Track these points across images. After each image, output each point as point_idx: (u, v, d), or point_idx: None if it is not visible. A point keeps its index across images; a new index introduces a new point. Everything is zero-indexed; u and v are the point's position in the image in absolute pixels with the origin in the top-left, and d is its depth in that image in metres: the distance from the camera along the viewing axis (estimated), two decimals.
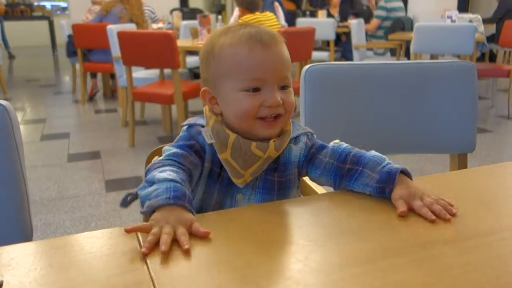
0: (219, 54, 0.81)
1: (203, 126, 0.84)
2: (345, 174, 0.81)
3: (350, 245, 0.61)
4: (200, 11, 7.66)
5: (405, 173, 0.76)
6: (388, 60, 5.19)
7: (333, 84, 1.30)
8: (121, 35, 3.25)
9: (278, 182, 0.85)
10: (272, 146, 0.81)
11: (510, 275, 0.54)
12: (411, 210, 0.70)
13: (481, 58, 6.94)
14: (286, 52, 0.83)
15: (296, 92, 0.85)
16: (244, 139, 0.81)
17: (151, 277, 0.53)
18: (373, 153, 0.81)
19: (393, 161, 0.79)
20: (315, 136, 0.89)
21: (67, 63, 5.80)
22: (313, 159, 0.86)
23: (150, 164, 0.78)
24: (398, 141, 1.35)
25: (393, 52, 5.64)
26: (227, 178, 0.83)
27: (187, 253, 0.58)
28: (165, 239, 0.60)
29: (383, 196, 0.74)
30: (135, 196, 0.72)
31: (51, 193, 2.70)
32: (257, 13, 3.59)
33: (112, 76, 5.23)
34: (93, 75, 5.26)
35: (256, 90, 0.79)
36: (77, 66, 5.10)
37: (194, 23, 4.72)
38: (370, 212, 0.71)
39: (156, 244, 0.60)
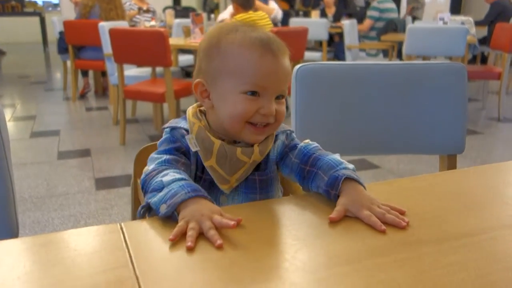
0: (225, 51, 0.80)
1: (186, 130, 0.83)
2: (305, 176, 0.81)
3: (336, 244, 0.61)
4: (193, 10, 7.64)
5: (356, 180, 0.74)
6: (381, 61, 5.22)
7: (325, 84, 1.30)
8: (113, 33, 3.23)
9: (259, 181, 0.85)
10: (256, 151, 0.82)
11: (494, 275, 0.54)
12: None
13: (472, 60, 6.99)
14: (289, 65, 0.83)
15: (288, 92, 0.85)
16: (229, 146, 0.81)
17: (135, 275, 0.53)
18: (333, 156, 0.81)
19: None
20: (294, 134, 0.90)
21: (59, 59, 5.76)
22: (284, 157, 0.86)
23: (143, 176, 0.76)
24: (388, 142, 1.35)
25: (385, 53, 5.66)
26: (208, 181, 0.83)
27: (233, 228, 0.62)
28: (212, 234, 0.61)
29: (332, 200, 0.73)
30: (147, 207, 0.71)
31: (40, 190, 2.68)
32: (251, 12, 3.59)
33: (104, 73, 5.21)
34: (85, 74, 5.23)
35: (254, 94, 0.78)
36: (68, 63, 5.07)
37: (187, 21, 4.71)
38: None
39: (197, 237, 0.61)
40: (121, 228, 0.64)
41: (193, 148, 0.81)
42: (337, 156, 0.80)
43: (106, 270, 0.54)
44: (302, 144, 0.86)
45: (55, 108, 4.84)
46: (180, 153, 0.81)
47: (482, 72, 4.61)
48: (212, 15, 4.33)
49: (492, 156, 3.45)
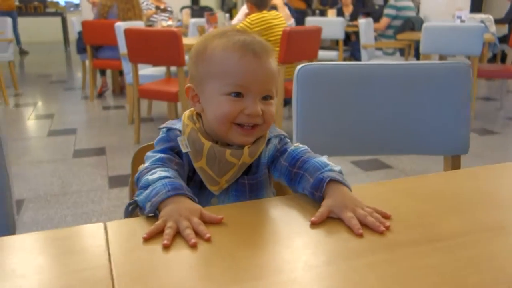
0: (210, 55, 0.82)
1: (180, 131, 0.85)
2: (293, 178, 0.82)
3: (315, 246, 0.61)
4: (210, 9, 7.67)
5: (341, 182, 0.74)
6: (397, 60, 5.16)
7: (326, 84, 1.30)
8: (128, 33, 3.27)
9: (249, 185, 0.86)
10: (246, 153, 0.82)
11: (468, 278, 0.53)
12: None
13: (492, 59, 6.87)
14: (274, 65, 0.84)
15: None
16: (218, 147, 0.82)
17: (111, 275, 0.54)
18: (320, 158, 0.81)
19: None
20: (287, 139, 0.90)
21: (79, 59, 5.86)
22: (275, 161, 0.87)
23: (137, 173, 0.79)
24: (390, 142, 1.34)
25: (402, 52, 5.60)
26: (199, 182, 0.85)
27: (208, 241, 0.61)
28: (188, 233, 0.62)
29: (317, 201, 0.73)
30: (135, 204, 0.74)
31: (54, 188, 2.73)
32: (265, 11, 3.59)
33: (121, 72, 5.28)
34: (102, 73, 5.31)
35: (238, 95, 0.80)
36: (87, 62, 5.15)
37: (203, 21, 4.74)
38: None
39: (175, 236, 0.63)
40: (105, 228, 0.65)
41: (184, 149, 0.83)
42: (324, 158, 0.81)
43: (84, 269, 0.56)
44: (292, 147, 0.87)
45: (73, 107, 4.92)
46: (174, 153, 0.83)
47: (500, 71, 4.52)
48: (227, 15, 4.34)
49: (507, 156, 3.38)
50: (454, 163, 1.35)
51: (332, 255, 0.59)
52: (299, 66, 1.29)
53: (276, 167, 0.86)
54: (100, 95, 5.31)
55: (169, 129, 0.86)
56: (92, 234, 0.64)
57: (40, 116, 4.51)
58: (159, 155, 0.81)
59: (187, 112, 0.89)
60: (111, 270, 0.55)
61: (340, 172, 0.76)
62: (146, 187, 0.72)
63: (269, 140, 0.88)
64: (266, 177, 0.88)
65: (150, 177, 0.73)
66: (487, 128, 3.92)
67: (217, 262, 0.57)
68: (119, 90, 5.47)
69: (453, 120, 1.31)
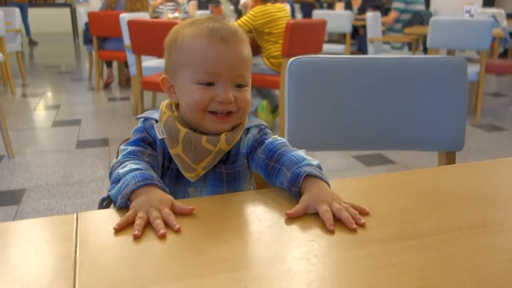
0: (180, 44, 0.82)
1: (156, 120, 0.85)
2: (270, 172, 0.80)
3: (285, 242, 0.60)
4: (218, 1, 7.64)
5: (318, 177, 0.72)
6: (405, 54, 5.11)
7: (319, 78, 1.29)
8: (131, 24, 3.28)
9: (226, 174, 0.85)
10: (223, 139, 0.81)
11: (435, 278, 0.52)
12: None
13: (503, 54, 6.78)
14: (246, 51, 0.83)
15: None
16: (194, 134, 0.82)
17: (74, 267, 0.54)
18: (297, 152, 0.79)
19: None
20: (268, 130, 0.89)
21: (86, 50, 5.88)
22: (253, 152, 0.86)
23: (110, 168, 0.79)
24: (384, 137, 1.32)
25: (411, 46, 5.53)
26: (176, 170, 0.84)
27: (178, 232, 0.61)
28: (157, 223, 0.62)
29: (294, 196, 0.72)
30: (109, 199, 0.74)
31: (56, 178, 2.75)
32: (269, 4, 3.57)
33: (127, 64, 5.28)
34: (109, 64, 5.32)
35: (209, 84, 0.80)
36: (94, 53, 5.16)
37: (209, 13, 4.73)
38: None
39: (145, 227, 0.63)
40: (76, 219, 0.65)
41: (160, 136, 0.82)
42: (301, 152, 0.79)
43: (48, 260, 0.55)
44: (269, 139, 0.85)
45: (79, 98, 4.94)
46: (146, 144, 0.83)
47: (510, 66, 4.45)
48: (232, 7, 4.31)
49: None
50: (448, 160, 1.33)
51: (304, 250, 0.58)
52: (291, 60, 1.27)
53: (253, 158, 0.85)
54: (106, 86, 5.32)
55: (145, 119, 0.86)
56: (63, 224, 0.64)
57: (46, 106, 4.54)
58: (130, 148, 0.81)
59: (165, 102, 0.89)
60: (75, 261, 0.55)
61: (318, 167, 0.75)
62: (117, 181, 0.72)
63: (248, 129, 0.87)
64: (245, 168, 0.87)
65: (121, 170, 0.73)
66: (494, 124, 3.87)
67: (185, 255, 0.57)
68: (125, 81, 5.48)
69: (448, 116, 1.29)
